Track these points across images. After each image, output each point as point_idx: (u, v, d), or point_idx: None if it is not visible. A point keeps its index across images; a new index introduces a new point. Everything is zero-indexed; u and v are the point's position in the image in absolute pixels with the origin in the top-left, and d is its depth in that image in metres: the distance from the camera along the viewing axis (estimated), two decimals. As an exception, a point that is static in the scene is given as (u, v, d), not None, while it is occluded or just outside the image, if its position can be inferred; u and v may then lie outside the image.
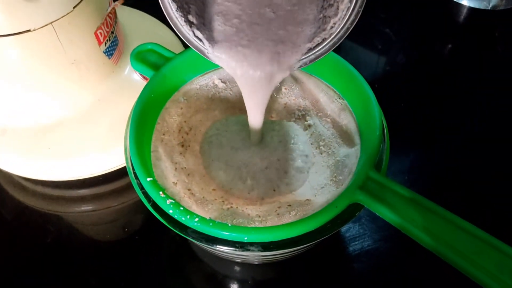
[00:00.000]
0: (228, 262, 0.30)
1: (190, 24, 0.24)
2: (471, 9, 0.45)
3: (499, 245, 0.19)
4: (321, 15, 0.24)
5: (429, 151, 0.37)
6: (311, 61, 0.24)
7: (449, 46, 0.46)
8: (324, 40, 0.24)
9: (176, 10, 0.23)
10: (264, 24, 0.24)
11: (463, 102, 0.41)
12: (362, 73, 0.27)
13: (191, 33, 0.24)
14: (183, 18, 0.23)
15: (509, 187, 0.34)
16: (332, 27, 0.23)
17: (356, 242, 0.31)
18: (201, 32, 0.24)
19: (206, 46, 0.24)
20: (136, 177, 0.23)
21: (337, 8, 0.23)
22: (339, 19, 0.23)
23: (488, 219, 0.32)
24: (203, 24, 0.24)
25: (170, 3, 0.23)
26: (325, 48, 0.24)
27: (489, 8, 0.45)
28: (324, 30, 0.24)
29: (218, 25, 0.24)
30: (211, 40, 0.24)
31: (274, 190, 0.27)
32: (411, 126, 0.38)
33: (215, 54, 0.24)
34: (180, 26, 0.24)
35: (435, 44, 0.46)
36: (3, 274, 0.30)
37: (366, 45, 0.45)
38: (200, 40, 0.24)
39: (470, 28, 0.46)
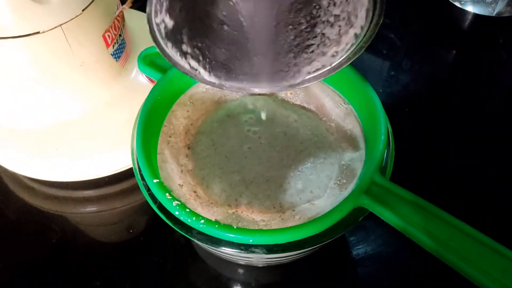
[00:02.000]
0: (231, 264, 0.30)
1: (185, 55, 0.23)
2: (476, 15, 0.45)
3: (504, 251, 0.19)
4: (318, 31, 0.23)
5: (431, 153, 0.37)
6: (309, 81, 0.24)
7: (454, 52, 0.46)
8: (323, 66, 0.23)
9: (172, 48, 0.23)
10: (262, 44, 0.23)
11: (466, 105, 0.41)
12: (367, 78, 0.27)
13: (187, 65, 0.23)
14: (178, 53, 0.23)
15: (509, 187, 0.34)
16: (333, 56, 0.23)
17: (360, 246, 0.31)
18: (195, 60, 0.23)
19: (202, 73, 0.24)
20: (143, 179, 0.23)
21: (339, 35, 0.22)
22: (342, 50, 0.23)
23: (488, 219, 0.32)
24: (197, 48, 0.23)
25: (166, 44, 0.23)
26: (324, 72, 0.24)
27: (493, 14, 0.45)
28: (324, 54, 0.23)
29: (217, 52, 0.23)
30: (207, 67, 0.24)
31: (273, 207, 0.26)
32: (415, 130, 0.38)
33: (220, 83, 0.24)
34: (178, 63, 0.23)
35: (439, 50, 0.46)
36: (8, 273, 0.30)
37: (371, 50, 0.45)
38: (196, 69, 0.24)
39: (474, 34, 0.47)
